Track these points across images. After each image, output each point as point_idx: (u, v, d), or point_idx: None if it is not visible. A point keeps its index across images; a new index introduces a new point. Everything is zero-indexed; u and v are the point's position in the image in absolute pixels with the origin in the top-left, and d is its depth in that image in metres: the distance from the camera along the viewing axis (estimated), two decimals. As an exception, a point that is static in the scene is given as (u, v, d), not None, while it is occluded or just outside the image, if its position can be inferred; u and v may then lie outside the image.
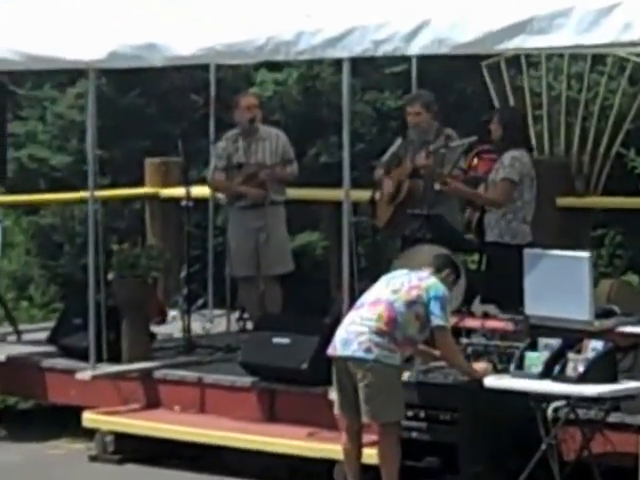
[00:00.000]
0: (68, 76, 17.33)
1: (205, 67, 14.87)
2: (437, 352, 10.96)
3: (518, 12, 10.80)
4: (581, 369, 10.40)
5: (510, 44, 11.17)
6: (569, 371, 10.46)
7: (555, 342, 10.65)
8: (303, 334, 12.17)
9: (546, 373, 10.48)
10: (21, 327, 15.17)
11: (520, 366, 10.64)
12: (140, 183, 16.02)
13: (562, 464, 10.40)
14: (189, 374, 12.98)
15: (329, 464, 11.27)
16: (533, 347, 10.72)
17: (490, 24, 10.92)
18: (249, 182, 13.91)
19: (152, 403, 13.02)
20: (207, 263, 15.10)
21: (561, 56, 14.29)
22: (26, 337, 14.86)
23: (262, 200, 13.90)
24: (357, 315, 10.82)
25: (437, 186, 12.73)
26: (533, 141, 13.98)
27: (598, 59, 14.50)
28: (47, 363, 13.73)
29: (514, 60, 14.32)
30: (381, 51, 11.62)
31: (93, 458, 12.56)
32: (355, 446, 10.83)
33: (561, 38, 10.78)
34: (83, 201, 13.99)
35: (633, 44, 11.07)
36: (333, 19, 11.71)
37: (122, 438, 12.51)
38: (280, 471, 11.56)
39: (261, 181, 13.88)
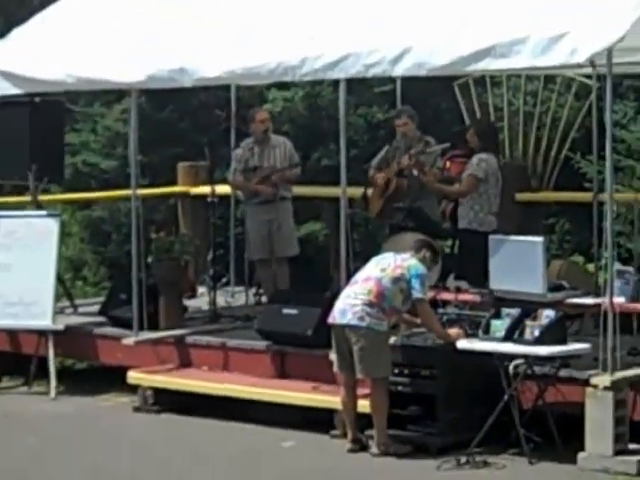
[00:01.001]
0: (114, 95, 17.28)
1: (227, 87, 14.83)
2: (418, 320, 11.01)
3: (483, 40, 10.77)
4: (536, 333, 10.45)
5: (477, 67, 11.16)
6: (527, 335, 10.51)
7: (515, 311, 10.69)
8: (308, 306, 12.17)
9: (508, 337, 10.54)
10: (77, 302, 15.12)
11: (486, 331, 10.68)
12: (173, 183, 16.00)
13: (521, 411, 10.44)
14: (214, 339, 12.97)
15: (330, 413, 11.26)
16: (497, 316, 10.75)
17: (460, 50, 10.88)
18: (263, 182, 13.88)
19: (184, 363, 12.99)
20: (229, 248, 15.06)
21: (519, 76, 14.29)
22: (81, 310, 14.82)
23: (273, 197, 13.88)
24: (352, 290, 10.87)
25: (425, 181, 12.84)
26: (498, 147, 13.93)
27: (549, 79, 14.49)
28: (98, 331, 13.71)
29: (480, 80, 14.31)
30: (371, 73, 11.60)
31: (136, 409, 12.54)
32: (351, 398, 10.87)
33: (519, 61, 10.76)
34: (127, 198, 13.94)
35: (578, 66, 11.01)
36: (331, 46, 11.66)
37: (160, 392, 12.48)
38: (290, 419, 11.48)
39: (273, 181, 13.86)
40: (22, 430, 12.02)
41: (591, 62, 10.48)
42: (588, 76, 12.55)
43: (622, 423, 10.01)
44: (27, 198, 14.46)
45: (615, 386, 10.01)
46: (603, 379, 10.05)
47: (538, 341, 10.40)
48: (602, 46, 10.06)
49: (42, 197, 14.55)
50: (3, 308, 13.66)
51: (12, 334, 13.97)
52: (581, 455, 10.04)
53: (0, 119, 14.80)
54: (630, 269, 11.07)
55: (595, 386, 10.06)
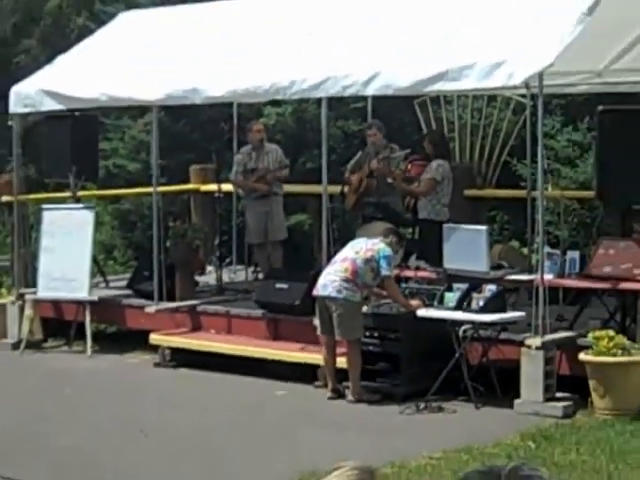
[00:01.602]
0: (139, 110, 17.22)
1: (230, 104, 14.75)
2: (385, 293, 11.05)
3: (438, 66, 10.81)
4: (481, 304, 10.52)
5: (433, 88, 11.26)
6: (473, 305, 10.57)
7: (464, 286, 10.76)
8: (296, 281, 12.15)
9: (458, 306, 10.61)
10: (108, 278, 15.10)
11: (441, 302, 10.74)
12: (187, 182, 15.93)
13: (469, 367, 10.49)
14: (220, 308, 12.95)
15: (314, 368, 11.29)
16: (449, 289, 10.82)
17: (420, 74, 10.94)
18: (259, 181, 13.83)
19: (196, 328, 12.96)
20: (232, 234, 14.99)
21: (467, 96, 14.23)
22: (111, 284, 14.78)
23: (267, 192, 13.83)
24: (332, 269, 10.90)
25: (391, 181, 12.81)
26: (450, 154, 13.94)
27: (492, 98, 14.47)
28: (125, 301, 13.68)
29: (436, 99, 14.27)
30: (347, 93, 11.71)
31: (156, 365, 12.52)
32: (331, 356, 10.90)
33: (467, 84, 10.84)
34: (149, 194, 13.93)
35: (515, 87, 11.08)
36: (315, 71, 11.68)
37: (176, 351, 12.47)
38: (282, 373, 11.47)
39: (267, 180, 13.82)
40: (63, 382, 11.99)
41: (525, 84, 10.45)
42: (523, 95, 12.54)
43: (550, 376, 10.08)
44: (68, 194, 14.37)
45: (545, 346, 10.09)
46: (535, 341, 10.13)
47: (483, 310, 10.47)
48: (534, 71, 10.14)
49: (80, 193, 14.49)
50: (48, 283, 13.62)
51: (56, 304, 13.95)
52: (517, 402, 10.11)
53: (47, 130, 14.98)
54: (557, 252, 11.07)
55: (529, 346, 10.13)
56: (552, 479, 1.67)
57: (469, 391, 10.32)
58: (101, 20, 17.47)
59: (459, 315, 10.51)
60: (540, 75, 10.10)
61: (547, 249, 10.78)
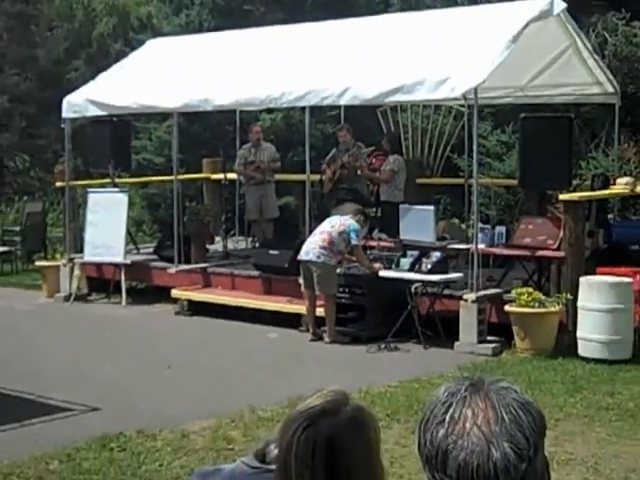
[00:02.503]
0: (162, 116, 17.06)
1: (233, 111, 14.56)
2: (354, 258, 10.90)
3: (396, 81, 10.72)
4: (429, 267, 10.40)
5: (392, 99, 11.19)
6: (423, 268, 10.44)
7: (415, 253, 10.60)
8: (285, 249, 11.99)
9: (411, 269, 10.48)
10: (139, 246, 14.98)
11: (397, 265, 10.63)
12: (200, 172, 15.78)
13: (419, 316, 10.37)
14: (226, 270, 12.82)
15: (299, 316, 11.17)
16: (404, 255, 10.68)
17: (381, 88, 10.87)
18: (256, 171, 13.68)
19: (207, 285, 12.82)
20: (235, 213, 14.84)
21: (418, 105, 14.11)
22: (141, 251, 14.63)
23: (262, 180, 13.68)
24: (312, 239, 10.77)
25: (359, 172, 12.66)
26: (404, 150, 13.85)
27: (438, 107, 14.33)
28: (152, 264, 13.54)
29: (394, 107, 14.13)
30: (325, 103, 11.65)
31: (177, 313, 12.39)
32: (312, 307, 10.78)
33: (418, 96, 10.78)
34: (170, 181, 13.74)
35: (456, 99, 10.93)
36: (299, 86, 11.58)
37: (192, 303, 12.35)
38: (274, 320, 11.34)
39: (262, 170, 13.65)
40: (104, 326, 11.89)
41: (464, 96, 10.29)
42: (462, 105, 12.40)
43: (482, 323, 10.00)
44: (108, 180, 14.24)
45: (478, 300, 10.00)
46: (471, 295, 10.04)
47: (430, 272, 10.35)
48: (470, 86, 10.06)
49: (117, 180, 14.32)
50: (92, 249, 13.51)
51: (98, 266, 13.81)
52: (457, 344, 10.01)
53: (91, 131, 14.93)
54: (488, 227, 11.01)
55: (466, 300, 10.04)
56: (522, 394, 1.52)
57: (419, 335, 10.21)
58: (133, 45, 17.37)
59: (412, 275, 10.37)
60: (475, 89, 10.03)
61: (480, 225, 10.71)
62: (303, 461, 1.86)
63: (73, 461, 6.70)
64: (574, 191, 10.79)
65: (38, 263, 14.81)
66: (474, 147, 10.29)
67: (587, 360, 9.25)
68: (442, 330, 10.23)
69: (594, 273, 9.68)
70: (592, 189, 11.13)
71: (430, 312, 10.44)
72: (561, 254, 9.98)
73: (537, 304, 9.62)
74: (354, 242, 10.61)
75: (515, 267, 11.20)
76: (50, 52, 22.55)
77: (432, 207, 11.24)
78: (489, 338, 9.98)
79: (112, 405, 8.14)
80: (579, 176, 12.56)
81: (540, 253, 10.37)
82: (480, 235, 10.42)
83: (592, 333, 9.27)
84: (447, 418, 1.49)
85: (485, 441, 1.45)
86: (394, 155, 12.55)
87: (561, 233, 10.05)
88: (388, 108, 14.13)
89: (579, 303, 9.44)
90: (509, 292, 10.08)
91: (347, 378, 8.68)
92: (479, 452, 1.45)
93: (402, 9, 15.70)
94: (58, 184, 14.71)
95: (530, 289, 9.88)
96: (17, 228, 17.40)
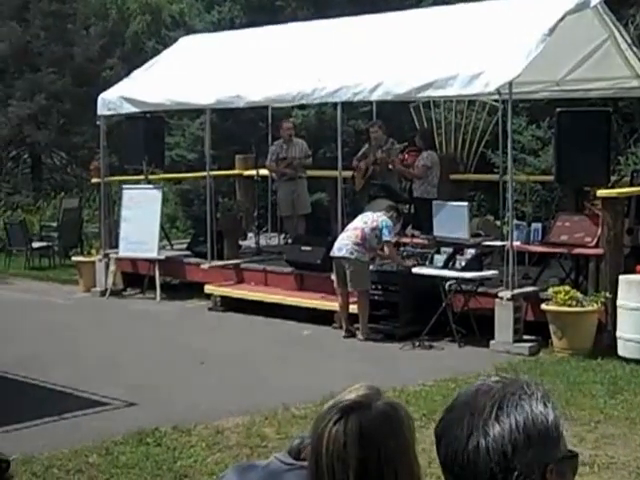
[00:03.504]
0: (195, 113, 16.96)
1: (265, 107, 14.42)
2: (387, 254, 10.69)
3: (428, 76, 10.54)
4: (463, 263, 10.19)
5: (424, 94, 11.06)
6: (457, 265, 10.23)
7: (449, 249, 10.39)
8: (317, 245, 11.85)
9: (445, 266, 10.26)
10: (172, 241, 14.94)
11: (431, 262, 10.41)
12: (232, 168, 15.67)
13: (453, 314, 10.15)
14: (258, 266, 12.68)
15: (332, 313, 10.99)
16: (438, 252, 10.46)
17: (414, 83, 10.70)
18: (288, 167, 13.53)
19: (239, 281, 12.69)
20: (268, 209, 14.72)
21: (451, 101, 13.88)
22: (175, 247, 14.57)
23: (294, 176, 13.54)
24: (345, 235, 10.62)
25: (391, 166, 12.43)
26: (438, 146, 13.64)
27: (471, 102, 14.10)
28: (186, 260, 13.43)
29: (427, 103, 13.91)
30: (357, 98, 11.51)
31: (210, 309, 12.32)
32: (345, 303, 10.62)
33: (451, 91, 10.57)
34: (204, 177, 13.64)
35: (489, 94, 10.76)
36: (331, 81, 11.42)
37: (224, 298, 12.26)
38: (307, 317, 11.18)
39: (294, 166, 13.48)
40: (139, 320, 11.88)
41: (498, 91, 10.10)
42: (496, 100, 12.12)
43: (518, 322, 9.76)
44: (142, 177, 14.20)
45: (514, 298, 9.76)
46: (506, 293, 9.80)
47: (464, 269, 10.11)
48: (505, 81, 9.84)
49: (151, 176, 14.29)
50: (127, 245, 13.46)
51: (133, 261, 13.74)
52: (492, 342, 9.78)
53: (125, 128, 14.92)
54: (523, 223, 10.80)
55: (501, 298, 9.81)
56: (547, 414, 1.55)
57: (454, 333, 9.98)
58: (166, 43, 17.31)
59: (446, 272, 10.13)
60: (510, 84, 9.79)
61: (515, 221, 10.48)
62: (335, 454, 1.82)
63: (111, 455, 6.74)
64: (612, 187, 10.50)
65: (75, 258, 14.89)
66: (509, 143, 10.10)
67: (627, 360, 8.99)
68: (477, 328, 10.00)
69: (633, 271, 9.40)
70: (631, 185, 10.87)
71: (465, 310, 10.20)
72: (599, 252, 9.71)
73: (575, 303, 9.35)
74: (386, 238, 10.43)
75: (552, 265, 10.96)
76: (86, 50, 22.52)
77: (466, 203, 11.00)
78: (525, 337, 9.73)
79: (147, 400, 8.13)
80: (618, 172, 12.29)
81: (577, 251, 10.10)
82: (515, 232, 10.18)
83: (632, 333, 8.99)
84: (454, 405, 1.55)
85: (467, 432, 1.50)
86: (427, 151, 12.39)
87: (599, 230, 9.78)
88: (421, 104, 13.98)
89: (618, 302, 9.18)
90: (546, 290, 9.83)
91: (381, 376, 8.50)
92: (459, 440, 1.50)
93: (435, 3, 15.39)
94: (94, 180, 14.78)
95: (567, 287, 9.62)
96: (54, 224, 17.56)
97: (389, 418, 1.85)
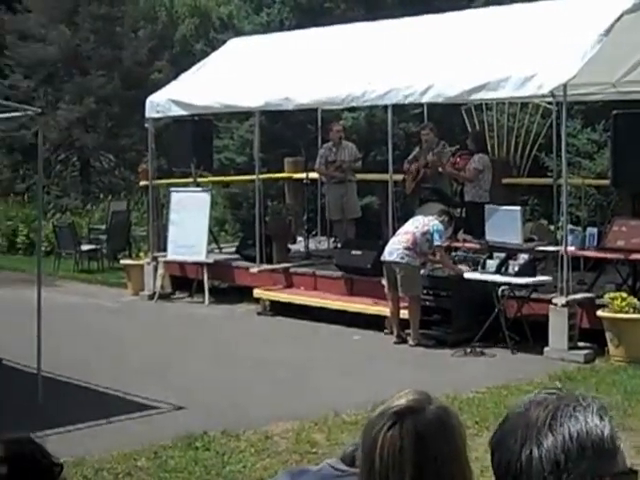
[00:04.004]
0: (244, 115, 17.04)
1: (315, 110, 14.44)
2: (438, 259, 10.66)
3: (480, 78, 10.48)
4: (516, 269, 10.11)
5: (476, 97, 11.00)
6: (510, 270, 10.15)
7: (502, 255, 10.32)
8: (367, 249, 11.82)
9: (497, 271, 10.20)
10: (221, 245, 14.96)
11: (483, 267, 10.36)
12: (282, 171, 15.72)
13: (506, 320, 10.05)
14: (308, 270, 12.69)
15: (383, 318, 10.97)
16: (490, 257, 10.41)
17: (465, 85, 10.65)
18: (337, 170, 13.53)
19: (289, 285, 12.71)
20: (317, 212, 14.74)
21: (504, 103, 13.80)
22: (223, 250, 14.58)
23: (344, 179, 13.53)
24: (396, 239, 10.59)
25: (441, 169, 12.38)
26: (490, 149, 13.55)
27: (524, 104, 14.02)
28: (235, 263, 13.46)
29: (479, 105, 13.84)
30: (407, 101, 11.54)
31: (258, 313, 12.36)
32: (396, 309, 10.59)
33: (504, 93, 10.55)
34: (252, 180, 13.71)
35: (543, 96, 10.67)
36: (382, 83, 11.41)
37: (274, 303, 12.31)
38: (357, 322, 11.16)
39: (343, 170, 13.48)
40: (188, 324, 11.96)
41: (552, 93, 10.03)
42: (550, 102, 12.03)
43: (573, 329, 9.66)
44: (190, 180, 14.30)
45: (569, 304, 9.67)
46: (561, 299, 9.70)
47: (517, 274, 10.04)
48: (559, 83, 9.76)
49: (199, 179, 14.39)
50: (176, 248, 13.53)
51: (181, 265, 13.79)
52: (546, 349, 9.69)
53: (173, 130, 14.96)
54: (578, 228, 10.70)
55: (555, 304, 9.72)
56: (602, 428, 1.51)
57: (506, 339, 9.90)
58: (215, 45, 17.42)
59: (498, 278, 10.06)
60: (564, 86, 9.70)
61: (570, 226, 10.39)
62: (390, 459, 1.80)
63: (160, 459, 6.78)
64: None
65: (123, 261, 15.02)
66: (563, 146, 10.01)
67: (686, 370, 8.84)
68: (530, 335, 9.90)
69: (693, 278, 9.24)
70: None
71: (518, 316, 10.11)
72: (657, 257, 9.56)
73: (632, 310, 9.22)
74: (437, 243, 10.41)
75: (608, 271, 10.80)
76: (134, 53, 22.76)
77: (519, 208, 10.92)
78: (580, 344, 9.62)
79: (196, 404, 8.16)
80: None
81: (635, 256, 9.95)
82: (570, 237, 10.09)
83: (691, 341, 8.83)
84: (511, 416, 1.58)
85: (521, 443, 1.51)
86: (479, 154, 12.29)
87: (657, 235, 9.62)
88: (472, 106, 13.89)
89: (677, 309, 9.02)
90: (601, 297, 9.73)
91: (433, 382, 8.44)
92: (513, 451, 1.52)
93: (486, 4, 15.30)
94: (142, 183, 14.89)
95: (624, 294, 9.50)
96: (103, 227, 17.71)
97: (443, 422, 1.84)
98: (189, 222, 13.36)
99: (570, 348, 9.50)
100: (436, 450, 1.81)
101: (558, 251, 9.99)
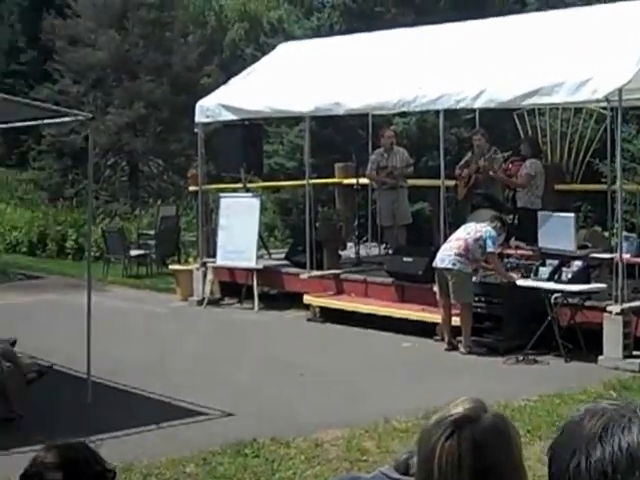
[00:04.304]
0: (294, 120, 17.14)
1: (366, 115, 14.47)
2: (490, 266, 10.66)
3: (533, 83, 10.47)
4: (570, 276, 10.06)
5: (529, 102, 11.02)
6: (563, 277, 10.11)
7: (555, 262, 10.28)
8: (419, 256, 11.83)
9: (550, 278, 10.16)
10: (270, 251, 15.04)
11: (536, 274, 10.32)
12: (332, 176, 15.79)
13: (559, 328, 10.02)
14: (358, 276, 12.72)
15: (433, 325, 11.01)
16: (543, 264, 10.37)
17: (518, 90, 10.64)
18: (388, 176, 13.57)
19: (339, 291, 12.76)
20: (368, 218, 14.78)
21: (557, 108, 13.74)
22: (273, 256, 14.68)
23: (395, 185, 13.56)
24: (448, 246, 10.59)
25: (491, 173, 12.37)
26: (542, 155, 13.52)
27: (578, 109, 13.96)
28: (284, 269, 13.55)
29: (531, 110, 13.81)
30: (459, 106, 11.48)
31: (308, 320, 12.42)
32: (447, 316, 10.61)
33: (557, 98, 10.51)
34: (302, 186, 13.80)
35: (597, 101, 10.61)
36: (433, 88, 11.43)
37: (323, 309, 12.36)
38: (407, 329, 11.18)
39: (394, 175, 13.51)
40: (237, 330, 12.03)
41: (606, 98, 10.00)
42: (604, 108, 11.95)
43: (628, 337, 9.62)
44: (239, 185, 14.38)
45: (623, 312, 9.63)
46: (615, 307, 9.68)
47: (571, 281, 10.00)
48: (614, 88, 9.73)
49: (249, 185, 14.46)
50: (225, 254, 13.61)
51: (230, 270, 13.88)
52: (600, 358, 9.65)
53: (223, 135, 14.99)
54: (633, 235, 10.66)
55: (610, 312, 9.68)
56: None
57: (559, 348, 9.86)
58: (265, 50, 17.55)
59: (551, 285, 10.03)
60: (619, 91, 9.65)
61: (625, 233, 10.34)
62: (448, 468, 1.79)
63: (209, 465, 6.81)
64: None
65: (172, 267, 15.14)
66: (618, 151, 9.95)
67: None
68: (584, 343, 9.86)
69: None
70: None
71: (571, 324, 10.08)
72: None
73: (689, 318, 9.14)
74: (490, 249, 10.38)
75: (663, 279, 10.74)
76: (184, 58, 23.00)
77: (573, 214, 10.88)
78: (635, 353, 9.56)
79: (245, 411, 8.20)
80: None
81: (691, 264, 9.89)
82: (625, 244, 10.05)
83: None
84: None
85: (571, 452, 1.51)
86: (531, 159, 12.26)
87: None
88: (525, 111, 13.86)
89: None
90: (657, 305, 9.65)
91: (484, 390, 8.38)
92: (564, 460, 1.51)
93: (539, 8, 15.26)
94: (191, 188, 14.98)
95: (681, 302, 9.42)
96: (152, 232, 17.80)
97: (500, 430, 1.84)
98: (238, 228, 13.44)
99: (625, 357, 9.46)
100: (494, 458, 1.81)
101: (612, 258, 9.96)
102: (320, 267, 12.94)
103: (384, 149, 13.68)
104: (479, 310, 10.51)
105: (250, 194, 14.08)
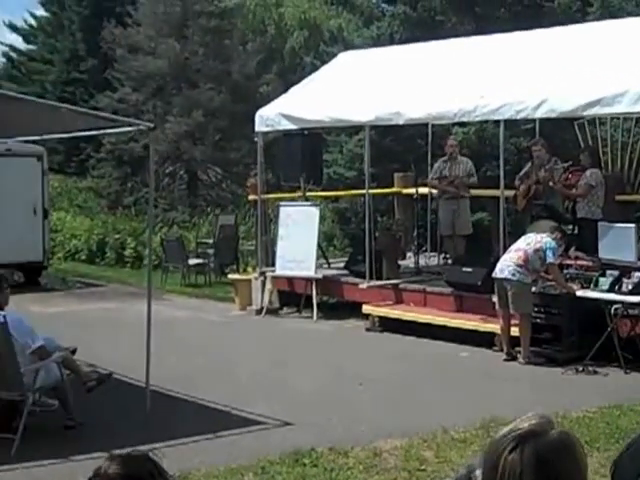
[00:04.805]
0: (353, 129, 17.30)
1: (425, 124, 14.57)
2: (550, 277, 10.73)
3: (595, 93, 10.54)
4: (630, 287, 10.12)
5: (590, 112, 11.00)
6: (623, 288, 10.17)
7: (615, 272, 10.34)
8: (478, 266, 11.92)
9: (610, 289, 10.23)
10: (330, 260, 15.15)
11: (596, 285, 10.39)
12: (391, 186, 15.91)
13: (619, 339, 10.08)
14: (418, 286, 12.85)
15: (492, 335, 11.13)
16: (603, 275, 10.43)
17: (579, 100, 10.69)
18: (450, 185, 13.67)
19: (398, 301, 12.90)
20: (427, 228, 14.84)
21: (618, 118, 13.74)
22: (332, 265, 14.82)
23: (456, 195, 13.64)
24: (508, 256, 10.69)
25: (550, 183, 12.42)
26: (603, 165, 13.52)
27: (639, 120, 13.90)
28: (344, 279, 13.70)
29: (592, 120, 13.82)
30: (520, 116, 11.55)
31: (367, 329, 12.56)
32: (506, 326, 10.71)
33: (619, 108, 10.55)
34: (362, 195, 13.94)
35: (660, 111, 10.65)
36: (493, 98, 11.51)
37: (383, 319, 12.48)
38: (466, 338, 11.33)
39: (456, 185, 13.63)
40: (296, 339, 12.15)
41: (670, 108, 9.98)
42: (667, 118, 11.98)
43: (690, 349, 9.63)
44: (299, 194, 14.52)
45: (685, 324, 9.62)
46: (677, 319, 9.67)
47: (631, 292, 10.06)
48: None
49: (308, 194, 14.59)
50: (284, 263, 13.78)
51: (289, 280, 14.07)
52: (661, 369, 9.71)
53: (283, 144, 15.15)
54: (697, 246, 10.60)
55: (671, 323, 9.68)
56: None
57: (619, 359, 9.95)
58: (324, 59, 17.70)
59: (611, 296, 10.11)
60: (684, 100, 9.64)
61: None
62: None
63: (267, 474, 6.85)
64: None
65: (231, 276, 15.25)
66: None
67: None
68: (644, 354, 9.93)
69: None
70: None
71: (631, 335, 10.15)
72: None
73: None
74: (550, 260, 10.47)
75: None
76: (243, 66, 23.24)
77: (633, 225, 10.92)
78: (697, 365, 9.61)
79: (303, 420, 8.28)
80: None
81: None
82: (689, 255, 10.06)
83: None
84: None
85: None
86: (591, 169, 12.28)
87: None
88: (586, 121, 13.84)
89: None
90: None
91: (542, 401, 8.57)
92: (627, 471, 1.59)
93: (600, 17, 15.30)
94: (250, 197, 15.13)
95: None
96: (210, 241, 17.94)
97: (566, 447, 1.90)
98: (298, 237, 13.59)
99: (687, 369, 9.53)
100: (557, 473, 1.87)
101: (675, 269, 10.03)
102: (379, 277, 13.07)
103: (447, 158, 13.77)
104: (538, 321, 10.63)
105: (309, 203, 14.22)
